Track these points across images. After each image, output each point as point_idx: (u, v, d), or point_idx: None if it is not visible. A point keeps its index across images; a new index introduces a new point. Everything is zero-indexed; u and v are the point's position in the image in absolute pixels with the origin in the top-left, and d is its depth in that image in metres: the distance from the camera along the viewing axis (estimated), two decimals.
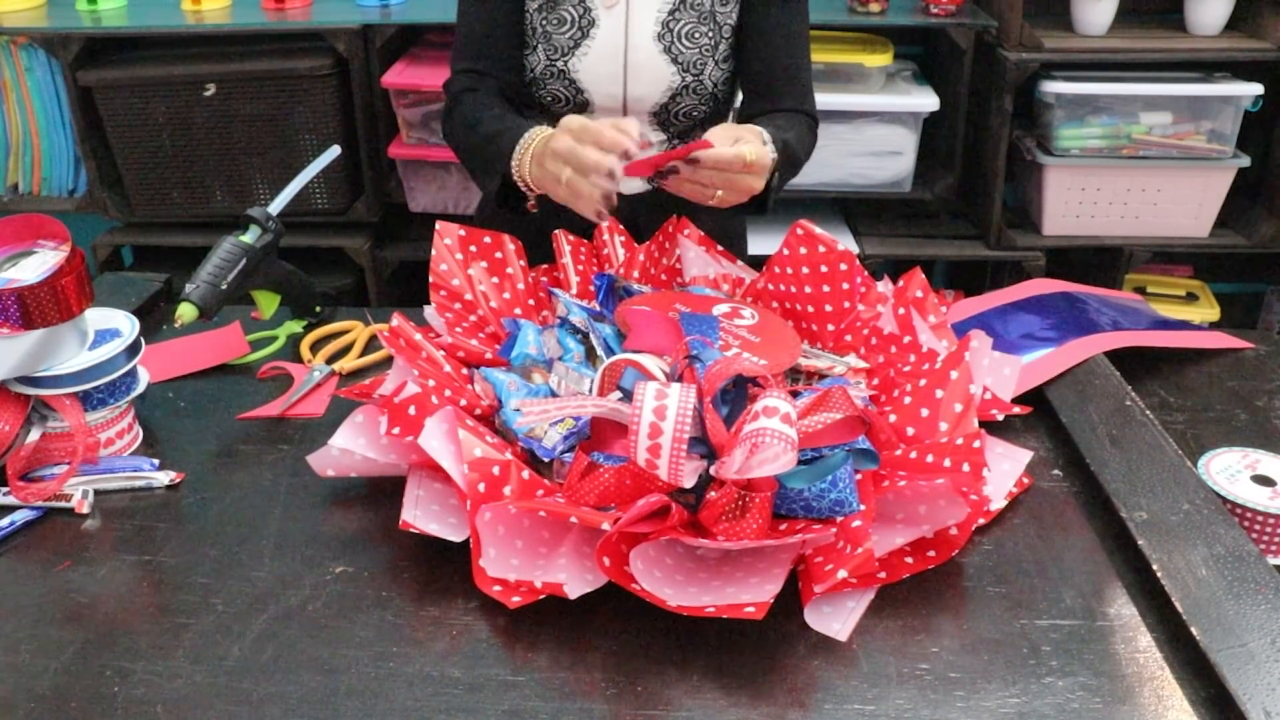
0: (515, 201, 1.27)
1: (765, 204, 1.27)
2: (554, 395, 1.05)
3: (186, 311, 1.18)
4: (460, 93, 1.35)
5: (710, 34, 1.32)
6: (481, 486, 0.90)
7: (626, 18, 1.30)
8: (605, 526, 0.84)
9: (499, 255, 1.22)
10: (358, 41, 2.19)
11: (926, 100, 2.22)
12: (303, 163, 2.25)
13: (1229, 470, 1.01)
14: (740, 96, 1.43)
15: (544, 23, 1.31)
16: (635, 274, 1.27)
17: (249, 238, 1.27)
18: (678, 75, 1.32)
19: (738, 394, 0.99)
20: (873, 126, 2.26)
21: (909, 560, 0.92)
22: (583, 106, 1.34)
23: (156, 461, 1.07)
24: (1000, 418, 1.11)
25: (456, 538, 0.92)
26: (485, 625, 0.86)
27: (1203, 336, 1.32)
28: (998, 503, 0.99)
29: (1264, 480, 0.99)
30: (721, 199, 1.16)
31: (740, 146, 1.14)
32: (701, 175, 1.14)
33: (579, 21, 1.30)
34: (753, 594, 0.84)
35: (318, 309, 1.35)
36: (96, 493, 1.03)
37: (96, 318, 1.12)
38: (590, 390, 1.04)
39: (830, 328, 1.18)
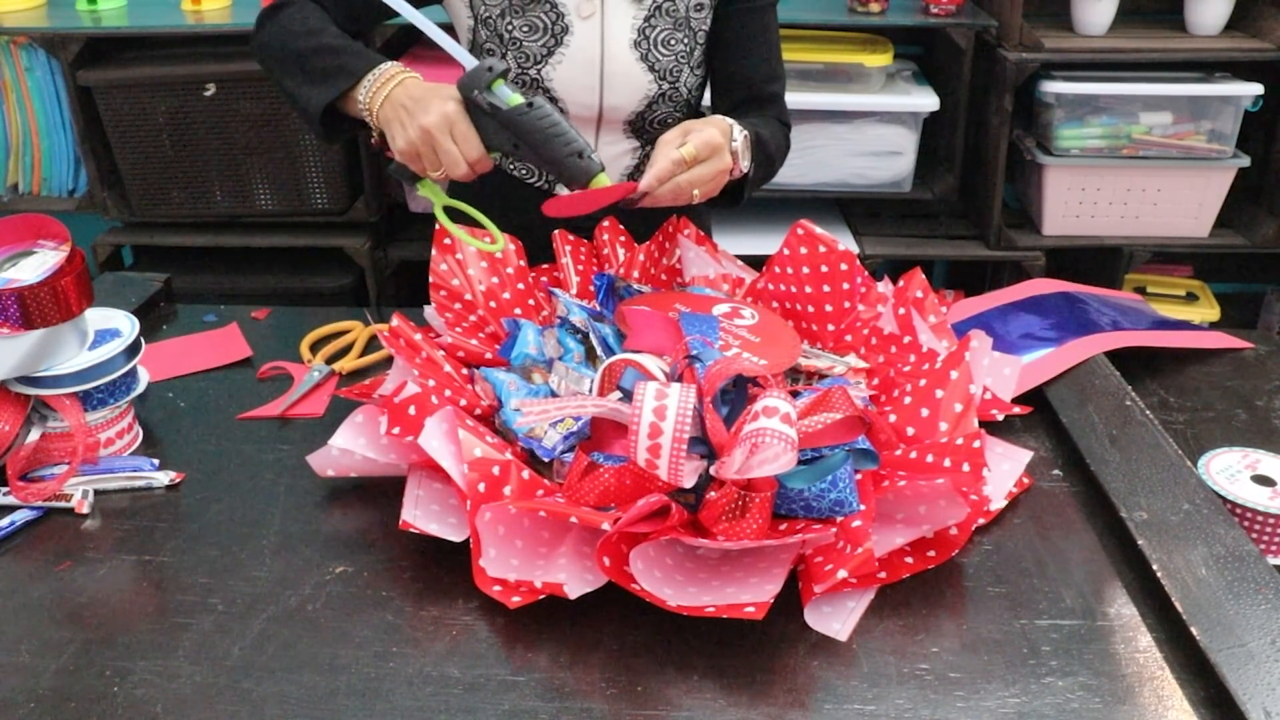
0: (334, 127, 1.21)
1: (740, 195, 1.25)
2: (554, 395, 1.05)
3: (606, 181, 1.06)
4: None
5: (686, 40, 1.30)
6: (481, 486, 0.90)
7: (602, 26, 1.27)
8: (605, 526, 0.85)
9: (499, 255, 1.22)
10: None
11: (926, 100, 2.22)
12: (303, 162, 2.27)
13: (1229, 470, 1.01)
14: (710, 103, 1.41)
15: (511, 29, 1.27)
16: (635, 274, 1.27)
17: (518, 94, 1.07)
18: (655, 83, 1.30)
19: (738, 394, 0.99)
20: (873, 126, 2.26)
21: (909, 560, 0.92)
22: None
23: (156, 461, 1.07)
24: (1000, 418, 1.11)
25: (456, 538, 0.92)
26: (485, 625, 0.86)
27: (1203, 336, 1.32)
28: (998, 503, 0.99)
29: (1264, 480, 0.99)
30: (701, 195, 1.13)
31: (674, 151, 1.10)
32: (663, 192, 1.10)
33: (551, 29, 1.26)
34: (753, 594, 0.84)
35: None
36: (96, 493, 1.03)
37: (96, 318, 1.12)
38: (590, 390, 1.04)
39: (830, 328, 1.18)
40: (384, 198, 2.38)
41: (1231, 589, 0.85)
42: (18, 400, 1.04)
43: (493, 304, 1.19)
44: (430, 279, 1.19)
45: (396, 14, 1.17)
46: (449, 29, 1.28)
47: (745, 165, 1.20)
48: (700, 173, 1.12)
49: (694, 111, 1.39)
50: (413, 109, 1.08)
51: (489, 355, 1.12)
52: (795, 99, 2.17)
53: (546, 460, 0.98)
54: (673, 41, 1.29)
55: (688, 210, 1.33)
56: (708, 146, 1.12)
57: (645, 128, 1.34)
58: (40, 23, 2.25)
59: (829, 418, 0.95)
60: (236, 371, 1.26)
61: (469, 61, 1.08)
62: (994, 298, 1.37)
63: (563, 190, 1.37)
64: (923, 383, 1.03)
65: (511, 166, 1.39)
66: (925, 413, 1.01)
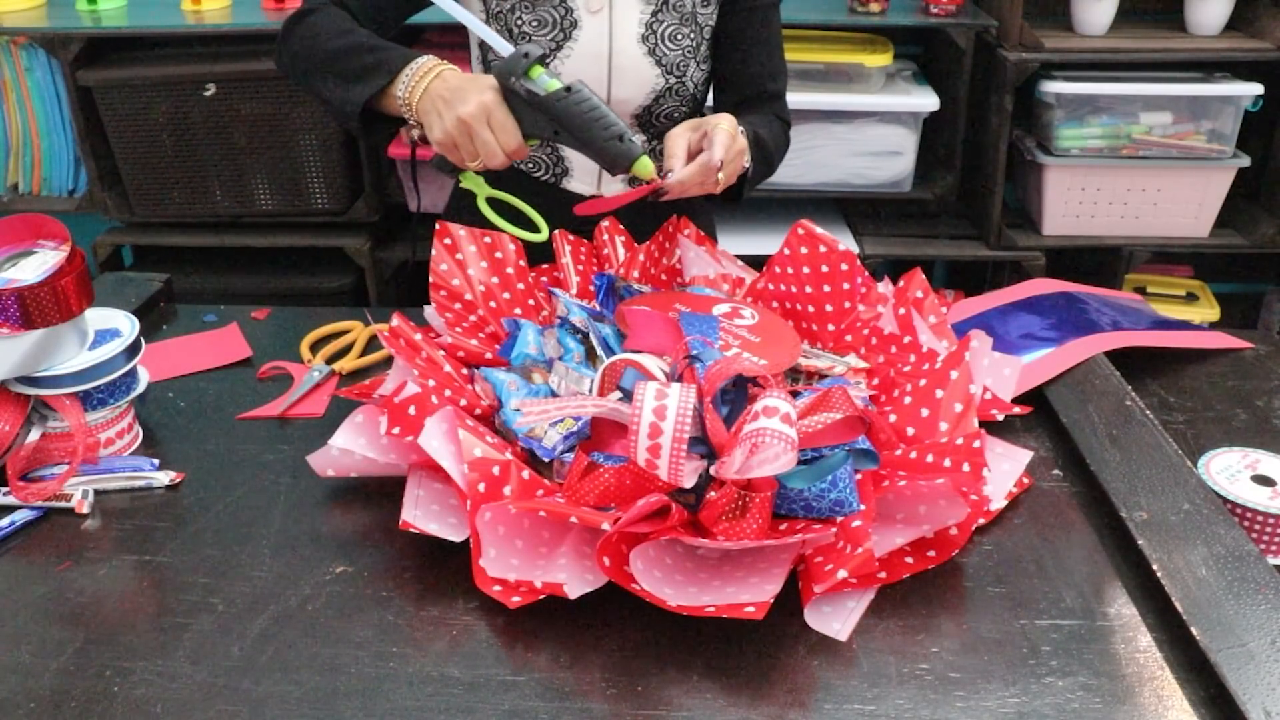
0: (374, 125, 1.20)
1: (740, 193, 1.27)
2: (554, 395, 1.05)
3: (649, 164, 1.06)
4: (328, 2, 1.24)
5: (692, 35, 1.31)
6: (481, 486, 0.90)
7: (610, 21, 1.28)
8: (605, 526, 0.85)
9: (499, 255, 1.22)
10: None
11: (926, 100, 2.22)
12: (303, 162, 2.27)
13: (1229, 470, 1.01)
14: (712, 100, 1.42)
15: (521, 24, 1.28)
16: (635, 274, 1.27)
17: (556, 79, 1.05)
18: (661, 78, 1.31)
19: (738, 394, 0.99)
20: (873, 126, 2.26)
21: (909, 560, 0.92)
22: None
23: (156, 461, 1.07)
24: (1000, 418, 1.11)
25: (456, 538, 0.92)
26: (485, 625, 0.86)
27: (1203, 336, 1.32)
28: (998, 503, 0.99)
29: (1264, 480, 0.99)
30: (725, 177, 1.16)
31: (704, 153, 1.13)
32: (691, 183, 1.13)
33: (560, 23, 1.27)
34: (753, 594, 0.84)
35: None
36: (96, 493, 1.03)
37: (96, 318, 1.12)
38: (590, 390, 1.04)
39: (830, 328, 1.18)
40: (384, 198, 2.38)
41: (1231, 589, 0.85)
42: (18, 400, 1.04)
43: (493, 304, 1.19)
44: (430, 279, 1.19)
45: (418, 10, 1.17)
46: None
47: (746, 162, 1.22)
48: (722, 141, 1.13)
49: (699, 106, 1.40)
50: (450, 99, 1.08)
51: (489, 355, 1.12)
52: (795, 99, 2.16)
53: (546, 460, 0.98)
54: (679, 36, 1.30)
55: (690, 210, 1.34)
56: (726, 135, 1.14)
57: (652, 121, 1.34)
58: (40, 23, 2.25)
59: (829, 418, 0.95)
60: (236, 371, 1.26)
61: (505, 48, 1.07)
62: (994, 298, 1.37)
63: (576, 186, 1.38)
64: (923, 383, 1.03)
65: (518, 161, 1.39)
66: (925, 413, 1.01)
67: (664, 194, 1.13)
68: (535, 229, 1.17)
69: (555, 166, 1.37)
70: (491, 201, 1.16)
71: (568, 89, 1.04)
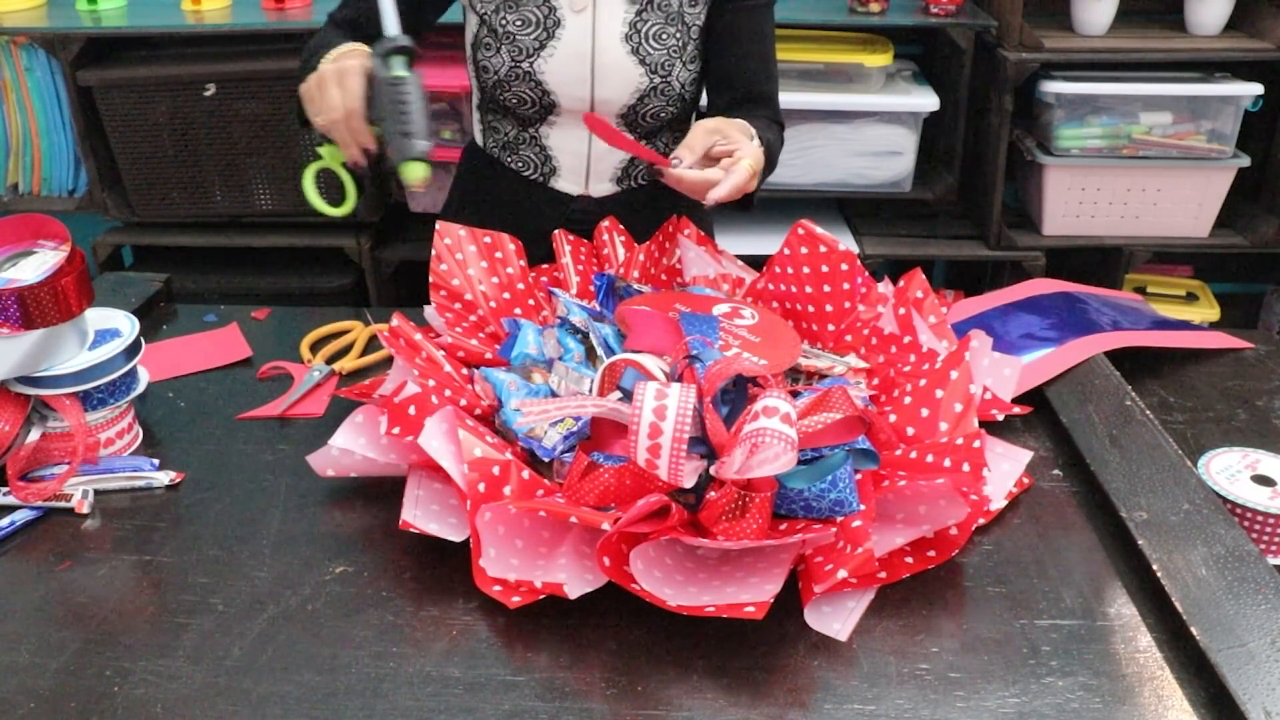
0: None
1: (750, 202, 1.26)
2: (554, 395, 1.05)
3: (418, 170, 1.08)
4: (338, 21, 1.31)
5: (678, 35, 1.31)
6: (481, 486, 0.90)
7: (594, 19, 1.28)
8: (605, 526, 0.85)
9: (499, 255, 1.22)
10: None
11: (926, 100, 2.22)
12: (303, 162, 2.27)
13: (1229, 470, 1.01)
14: (705, 101, 1.42)
15: (505, 23, 1.28)
16: (635, 274, 1.27)
17: (403, 69, 1.10)
18: (646, 77, 1.30)
19: (738, 394, 0.99)
20: (873, 126, 2.26)
21: (909, 560, 0.92)
22: (549, 108, 1.33)
23: (156, 461, 1.07)
24: (1000, 418, 1.11)
25: (456, 538, 0.92)
26: (485, 625, 0.86)
27: (1203, 336, 1.32)
28: (998, 503, 0.99)
29: (1264, 480, 0.99)
30: (709, 204, 1.15)
31: (713, 171, 1.13)
32: (684, 185, 1.13)
33: (544, 23, 1.28)
34: (753, 594, 0.84)
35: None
36: (96, 493, 1.03)
37: (96, 318, 1.12)
38: (590, 390, 1.04)
39: (830, 328, 1.18)
40: (384, 197, 2.38)
41: (1231, 589, 0.85)
42: (18, 400, 1.04)
43: (493, 304, 1.19)
44: (430, 279, 1.19)
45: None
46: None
47: (753, 184, 1.21)
48: (735, 181, 1.13)
49: (690, 106, 1.39)
50: (333, 61, 1.13)
51: (489, 355, 1.12)
52: (795, 99, 2.18)
53: (546, 460, 0.98)
54: (664, 36, 1.30)
55: (689, 210, 1.34)
56: (742, 176, 1.13)
57: (638, 121, 1.34)
58: (40, 23, 2.25)
59: (829, 418, 0.95)
60: (236, 371, 1.26)
61: (390, 31, 1.12)
62: (994, 298, 1.37)
63: (564, 185, 1.38)
64: (923, 383, 1.03)
65: (508, 160, 1.39)
66: (925, 413, 1.01)
67: (660, 175, 1.14)
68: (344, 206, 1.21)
69: (543, 165, 1.38)
70: (324, 175, 1.20)
71: (396, 79, 1.09)
